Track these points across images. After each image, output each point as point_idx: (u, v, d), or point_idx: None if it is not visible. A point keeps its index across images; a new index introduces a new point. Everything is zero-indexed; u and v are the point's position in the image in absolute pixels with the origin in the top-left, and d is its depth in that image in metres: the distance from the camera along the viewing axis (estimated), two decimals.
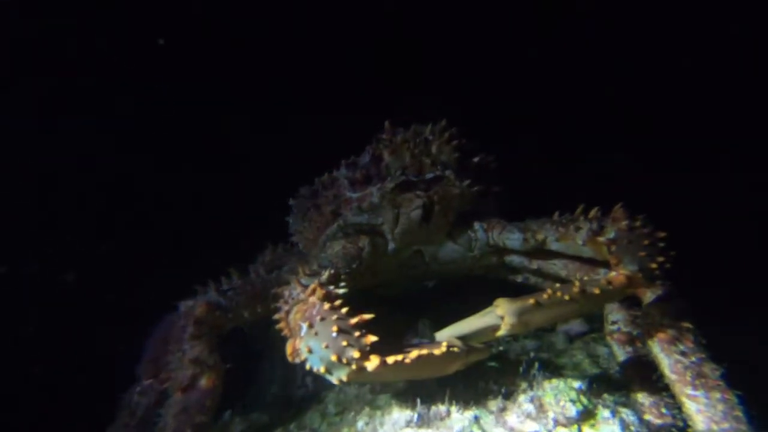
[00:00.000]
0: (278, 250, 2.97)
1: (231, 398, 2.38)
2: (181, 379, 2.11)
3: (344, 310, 1.89)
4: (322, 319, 1.85)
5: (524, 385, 2.18)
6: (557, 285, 2.09)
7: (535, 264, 2.62)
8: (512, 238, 2.52)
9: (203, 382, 2.13)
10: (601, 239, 2.22)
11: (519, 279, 2.77)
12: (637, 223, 2.19)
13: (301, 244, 2.81)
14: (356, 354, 1.79)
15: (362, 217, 2.53)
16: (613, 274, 2.09)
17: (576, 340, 2.89)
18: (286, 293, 2.03)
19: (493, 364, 2.36)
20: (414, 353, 1.88)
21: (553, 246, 2.43)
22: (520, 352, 2.65)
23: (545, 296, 2.01)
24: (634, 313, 2.40)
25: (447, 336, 2.09)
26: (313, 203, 2.69)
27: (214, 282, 2.41)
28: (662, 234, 2.17)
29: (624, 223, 2.19)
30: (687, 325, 2.19)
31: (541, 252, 2.55)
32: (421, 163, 2.44)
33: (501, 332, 2.05)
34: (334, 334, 1.82)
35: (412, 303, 2.98)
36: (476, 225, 2.59)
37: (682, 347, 2.15)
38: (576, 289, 2.01)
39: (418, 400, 2.09)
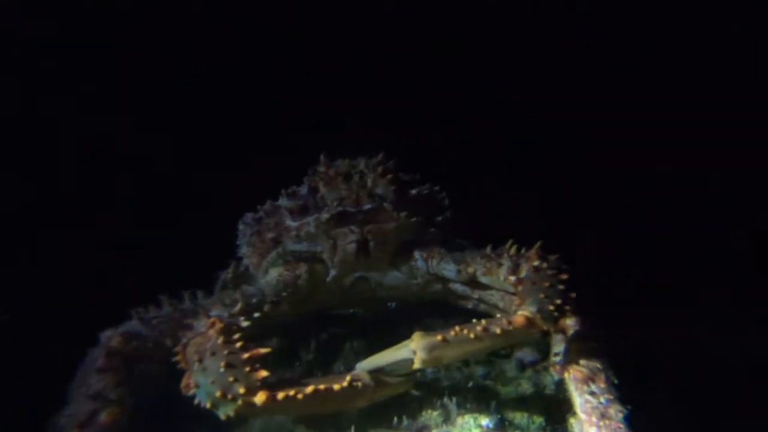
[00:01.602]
0: (241, 269, 2.98)
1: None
2: (79, 415, 2.14)
3: (239, 344, 1.96)
4: (213, 353, 1.93)
5: (440, 419, 2.19)
6: (473, 322, 2.11)
7: (476, 294, 2.65)
8: (448, 269, 2.56)
9: (103, 417, 2.14)
10: (512, 278, 2.27)
11: (469, 305, 2.78)
12: (544, 264, 2.22)
13: (250, 267, 2.87)
14: (242, 390, 1.85)
15: (301, 245, 2.60)
16: (516, 314, 2.10)
17: (528, 368, 2.82)
18: (195, 324, 2.10)
19: (416, 393, 2.37)
20: (309, 388, 1.93)
21: (482, 280, 2.48)
22: (458, 380, 2.61)
23: (452, 333, 2.04)
24: None
25: (365, 366, 2.13)
26: (256, 230, 2.77)
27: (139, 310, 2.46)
28: (565, 276, 2.19)
29: (533, 264, 2.23)
30: (599, 365, 2.18)
31: (479, 282, 2.57)
32: (358, 195, 2.50)
33: (415, 366, 2.08)
34: (222, 370, 1.88)
35: (374, 324, 2.99)
36: (416, 254, 2.63)
37: (593, 387, 2.14)
38: (480, 328, 2.05)
39: None
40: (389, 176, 2.56)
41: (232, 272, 2.94)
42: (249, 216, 2.90)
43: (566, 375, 2.21)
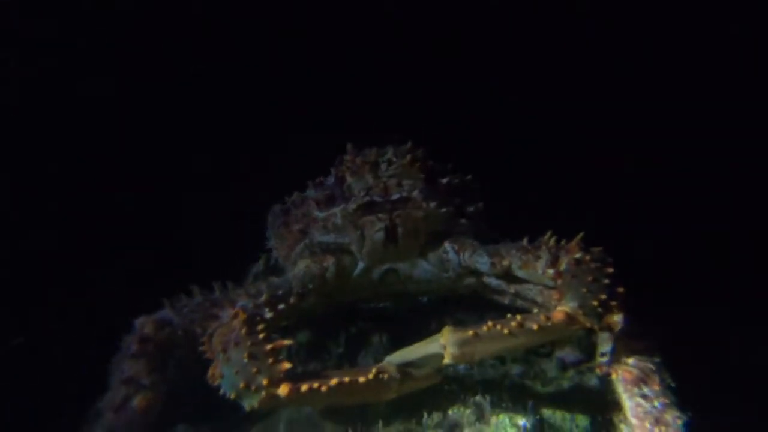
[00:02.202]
0: (272, 262, 3.01)
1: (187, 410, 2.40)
2: (113, 399, 2.17)
3: (262, 335, 1.94)
4: (236, 344, 1.92)
5: (473, 417, 2.08)
6: (508, 317, 2.01)
7: (512, 288, 2.53)
8: (481, 261, 2.44)
9: (136, 402, 2.17)
10: (550, 272, 2.15)
11: (506, 301, 2.65)
12: (587, 257, 2.08)
13: (279, 259, 2.86)
14: (265, 381, 1.84)
15: (329, 236, 2.53)
16: (556, 309, 2.00)
17: (570, 368, 2.65)
18: (221, 314, 2.10)
19: (447, 388, 2.28)
20: (333, 381, 1.90)
21: (518, 273, 2.36)
22: (492, 378, 2.49)
23: (485, 329, 1.95)
24: None
25: (394, 360, 2.07)
26: (283, 221, 2.74)
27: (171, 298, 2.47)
28: (610, 270, 2.05)
29: (574, 256, 2.10)
30: (652, 365, 2.04)
31: (515, 276, 2.45)
32: (386, 185, 2.43)
33: (445, 361, 2.00)
34: (245, 361, 1.87)
35: (404, 318, 2.89)
36: (447, 246, 2.53)
37: (645, 390, 2.00)
38: (515, 324, 1.95)
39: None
40: (418, 164, 2.48)
41: (263, 264, 2.98)
42: (277, 207, 2.88)
43: (614, 376, 2.08)
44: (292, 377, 1.87)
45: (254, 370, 1.85)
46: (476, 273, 2.55)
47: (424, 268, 2.57)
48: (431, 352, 2.02)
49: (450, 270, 2.55)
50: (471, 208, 2.64)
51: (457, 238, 2.55)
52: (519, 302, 2.61)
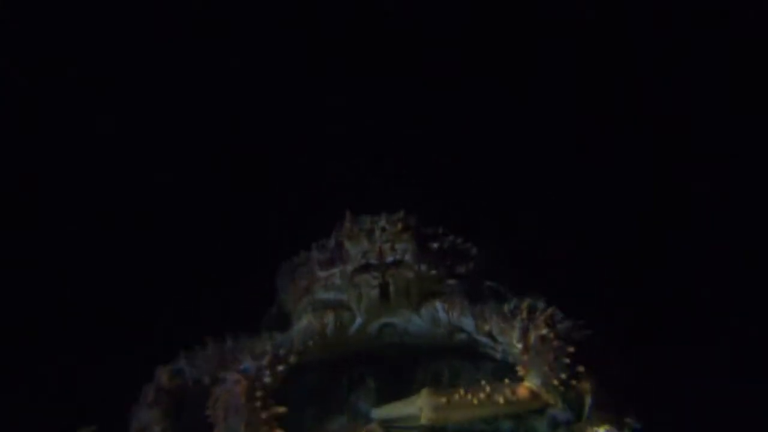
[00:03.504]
0: (280, 312, 3.23)
1: None
2: None
3: (259, 402, 2.13)
4: (236, 412, 2.10)
5: None
6: (480, 384, 2.20)
7: (499, 347, 2.65)
8: (467, 323, 2.64)
9: None
10: (519, 346, 2.28)
11: (498, 356, 2.76)
12: (551, 334, 2.20)
13: (289, 313, 3.08)
14: None
15: (329, 294, 2.76)
16: (521, 385, 2.16)
17: (561, 427, 2.63)
18: (227, 377, 2.28)
19: None
20: None
21: (499, 339, 2.50)
22: None
23: (457, 397, 2.12)
24: None
25: (378, 415, 2.30)
26: (291, 277, 3.00)
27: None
28: (572, 349, 2.15)
29: (540, 333, 2.22)
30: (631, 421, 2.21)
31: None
32: (381, 249, 2.64)
33: (422, 422, 2.18)
34: (242, 429, 2.06)
35: (400, 365, 3.00)
36: (438, 305, 2.72)
37: None
38: (483, 395, 2.12)
39: None
40: (409, 231, 2.67)
41: (272, 315, 3.22)
42: (286, 264, 3.14)
43: None
44: None
45: None
46: (466, 331, 2.73)
47: (417, 324, 2.77)
48: (409, 413, 2.19)
49: (441, 327, 2.74)
50: (461, 269, 2.81)
51: (448, 297, 2.73)
52: (511, 359, 2.70)
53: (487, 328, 2.52)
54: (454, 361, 2.89)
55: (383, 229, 2.67)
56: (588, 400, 2.28)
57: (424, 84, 4.51)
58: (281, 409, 2.13)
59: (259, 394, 2.15)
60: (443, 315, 2.69)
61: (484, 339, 2.67)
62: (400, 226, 2.67)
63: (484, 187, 4.42)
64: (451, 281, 2.76)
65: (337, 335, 2.71)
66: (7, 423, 3.06)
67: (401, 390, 2.64)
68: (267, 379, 2.27)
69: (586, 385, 2.21)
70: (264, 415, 2.08)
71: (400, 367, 2.93)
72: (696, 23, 4.37)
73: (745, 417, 3.09)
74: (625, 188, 4.46)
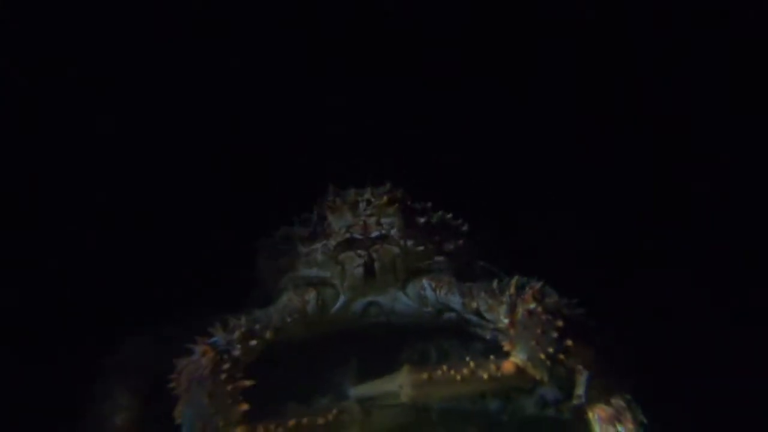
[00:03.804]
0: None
1: None
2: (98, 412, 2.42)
3: (225, 375, 2.00)
4: (200, 383, 1.97)
5: None
6: (465, 361, 2.08)
7: (489, 325, 2.55)
8: (454, 301, 2.53)
9: (118, 420, 2.42)
10: (505, 321, 2.17)
11: (487, 336, 2.67)
12: (539, 308, 2.10)
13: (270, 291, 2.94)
14: (221, 423, 1.88)
15: (312, 270, 2.66)
16: (506, 360, 2.05)
17: (551, 406, 2.64)
18: (194, 349, 2.16)
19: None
20: (291, 422, 1.95)
21: (487, 316, 2.40)
22: (469, 412, 2.50)
23: (439, 372, 2.01)
24: None
25: (357, 393, 2.19)
26: (271, 254, 2.86)
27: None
28: (560, 323, 2.05)
29: (527, 307, 2.12)
30: (623, 403, 2.13)
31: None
32: (366, 223, 2.54)
33: (402, 400, 2.07)
34: (205, 401, 1.92)
35: (387, 343, 2.89)
36: (425, 282, 2.63)
37: (619, 428, 2.09)
38: (467, 371, 2.00)
39: None
40: (395, 205, 2.57)
41: (254, 297, 3.01)
42: (265, 240, 2.99)
43: (590, 415, 2.16)
44: (249, 419, 1.90)
45: (212, 411, 1.88)
46: (454, 309, 2.61)
47: (404, 302, 2.67)
48: (390, 390, 2.09)
49: (429, 305, 2.64)
50: (450, 246, 2.71)
51: (436, 275, 2.63)
52: (501, 337, 2.56)
53: (474, 305, 2.42)
54: (442, 341, 2.82)
55: (368, 202, 2.58)
56: (582, 379, 2.22)
57: (424, 84, 4.51)
58: (248, 383, 2.02)
59: (226, 366, 2.04)
60: (431, 293, 2.60)
61: (473, 317, 2.57)
62: (385, 199, 2.58)
63: (484, 186, 4.42)
64: (440, 258, 2.66)
65: (319, 313, 2.61)
66: (6, 423, 3.05)
67: (386, 371, 2.50)
68: (236, 353, 2.17)
69: (577, 361, 2.16)
70: (229, 388, 1.95)
71: (387, 347, 2.82)
72: (696, 23, 4.37)
73: (745, 417, 3.10)
74: (625, 188, 4.46)
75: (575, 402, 2.26)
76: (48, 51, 3.85)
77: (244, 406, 1.91)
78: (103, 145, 3.93)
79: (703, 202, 4.26)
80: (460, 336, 2.80)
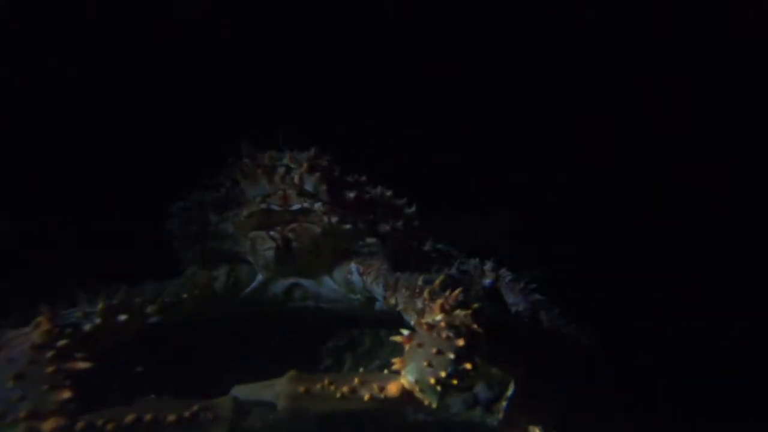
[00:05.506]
0: None
1: None
2: None
3: (53, 353, 1.61)
4: (10, 360, 1.57)
5: None
6: (350, 374, 1.79)
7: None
8: (377, 291, 2.19)
9: None
10: (405, 332, 1.79)
11: None
12: (442, 323, 1.73)
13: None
14: (23, 413, 1.47)
15: (223, 243, 2.31)
16: (393, 380, 1.71)
17: (479, 406, 2.34)
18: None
19: None
20: (129, 417, 1.52)
21: (404, 315, 2.04)
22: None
23: (319, 386, 1.71)
24: None
25: (238, 393, 1.82)
26: (182, 221, 2.44)
27: None
28: (461, 343, 1.69)
29: (429, 319, 1.77)
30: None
31: None
32: (286, 194, 2.17)
33: (279, 410, 1.76)
34: (9, 384, 1.51)
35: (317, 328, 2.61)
36: (353, 266, 2.29)
37: None
38: (347, 389, 1.69)
39: None
40: (318, 173, 2.19)
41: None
42: (176, 205, 2.48)
43: None
44: (72, 410, 1.50)
45: (18, 396, 1.48)
46: (378, 301, 2.29)
47: (331, 287, 2.34)
48: (266, 398, 1.79)
49: (357, 292, 2.30)
50: (386, 227, 2.33)
51: (366, 258, 2.29)
52: None
53: (393, 301, 2.06)
54: (379, 329, 2.46)
55: (288, 169, 2.18)
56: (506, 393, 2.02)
57: (424, 84, 4.49)
58: (81, 365, 1.61)
59: (61, 343, 1.64)
60: (357, 278, 2.24)
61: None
62: (307, 165, 2.18)
63: (484, 186, 4.42)
64: (371, 240, 2.29)
65: (230, 292, 2.28)
66: None
67: (310, 357, 2.30)
68: (87, 327, 1.82)
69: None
70: (49, 369, 1.54)
71: (316, 332, 2.49)
72: (696, 23, 4.37)
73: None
74: (625, 188, 4.47)
75: (499, 409, 2.12)
76: (48, 51, 3.85)
77: (66, 394, 1.50)
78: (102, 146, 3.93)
79: (702, 202, 4.25)
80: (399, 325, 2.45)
